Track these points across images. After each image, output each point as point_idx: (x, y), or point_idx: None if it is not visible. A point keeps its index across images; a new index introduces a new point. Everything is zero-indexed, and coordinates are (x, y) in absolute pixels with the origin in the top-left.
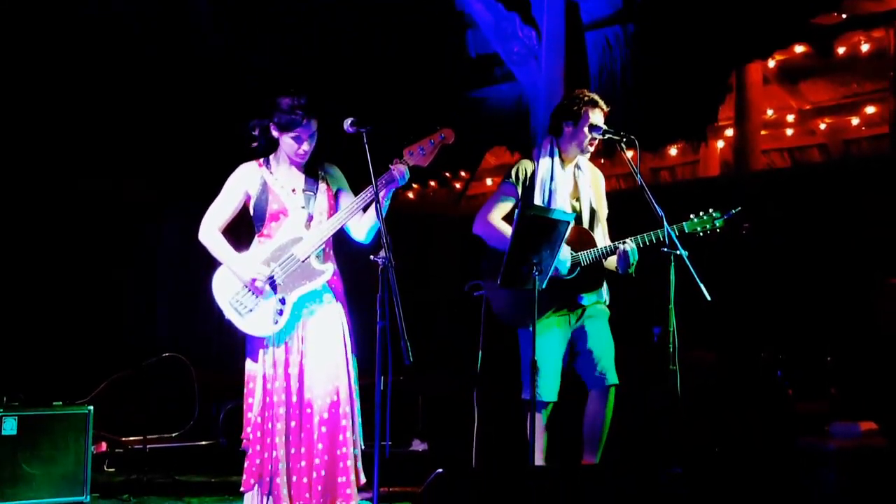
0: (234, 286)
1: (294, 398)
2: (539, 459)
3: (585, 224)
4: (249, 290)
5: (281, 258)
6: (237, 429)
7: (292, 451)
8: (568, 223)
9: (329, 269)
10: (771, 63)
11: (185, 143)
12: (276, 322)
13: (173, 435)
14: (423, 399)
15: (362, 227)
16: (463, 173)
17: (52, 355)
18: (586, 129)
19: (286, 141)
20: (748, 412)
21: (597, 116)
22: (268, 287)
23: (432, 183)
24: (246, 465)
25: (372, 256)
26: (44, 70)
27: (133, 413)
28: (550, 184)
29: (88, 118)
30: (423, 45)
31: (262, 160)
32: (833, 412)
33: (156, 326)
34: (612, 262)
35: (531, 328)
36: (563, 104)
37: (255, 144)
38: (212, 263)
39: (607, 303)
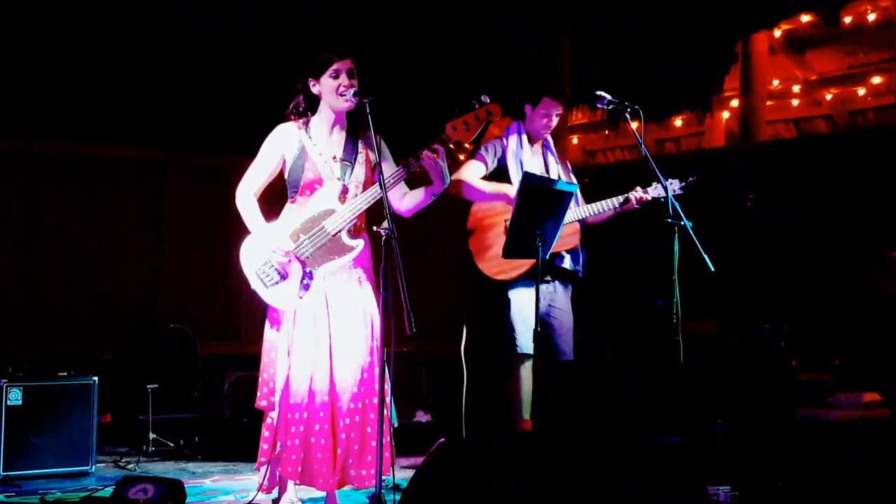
0: (261, 256)
1: (322, 374)
2: (526, 412)
3: None
4: (273, 268)
5: (311, 230)
6: (241, 399)
7: (315, 427)
8: (572, 194)
9: (359, 244)
10: (777, 33)
11: (187, 105)
12: (301, 296)
13: (178, 405)
14: (426, 369)
15: (404, 203)
16: (467, 145)
17: (57, 326)
18: (543, 119)
19: (326, 84)
20: (751, 383)
21: (553, 106)
22: (295, 260)
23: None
24: (264, 438)
25: (375, 227)
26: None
27: (138, 384)
28: (522, 160)
29: (93, 86)
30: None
31: (301, 122)
32: (837, 383)
33: (160, 297)
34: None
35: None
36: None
37: (302, 108)
38: (215, 233)
39: (581, 274)
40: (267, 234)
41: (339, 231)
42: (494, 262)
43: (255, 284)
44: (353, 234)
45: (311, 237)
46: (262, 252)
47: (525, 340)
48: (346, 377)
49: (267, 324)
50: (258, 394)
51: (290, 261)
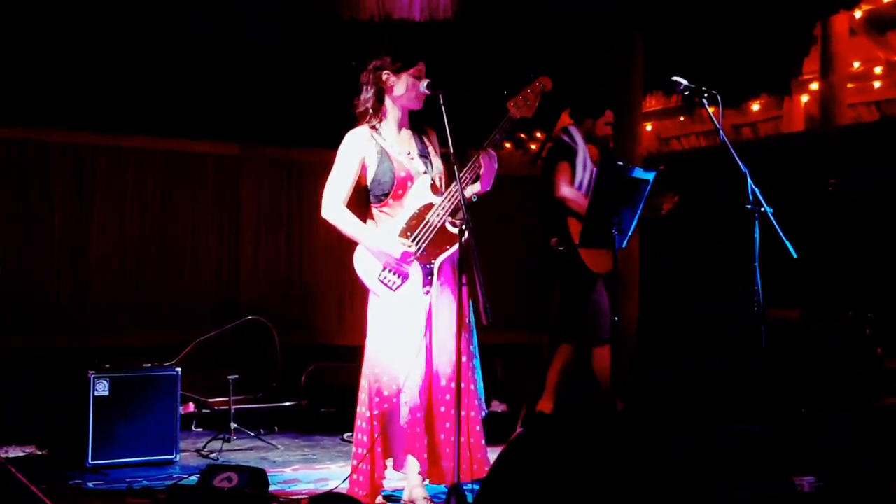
0: (378, 263)
1: (424, 357)
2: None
3: None
4: (394, 272)
5: (419, 227)
6: (319, 389)
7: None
8: (648, 182)
9: (464, 233)
10: (857, 13)
11: (262, 100)
12: (428, 291)
13: (258, 396)
14: (502, 359)
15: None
16: (539, 134)
17: (138, 317)
18: (603, 124)
19: (406, 82)
20: (835, 371)
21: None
22: (413, 260)
23: (507, 145)
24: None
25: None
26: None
27: (218, 374)
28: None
29: (172, 83)
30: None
31: (369, 126)
32: None
33: (238, 289)
34: None
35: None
36: (589, 98)
37: (369, 104)
38: (291, 225)
39: None
40: (378, 241)
41: (443, 222)
42: (593, 255)
43: (379, 291)
44: (452, 223)
45: (421, 233)
46: (378, 259)
47: (604, 328)
48: (446, 368)
49: (374, 319)
50: (383, 390)
51: (409, 262)
